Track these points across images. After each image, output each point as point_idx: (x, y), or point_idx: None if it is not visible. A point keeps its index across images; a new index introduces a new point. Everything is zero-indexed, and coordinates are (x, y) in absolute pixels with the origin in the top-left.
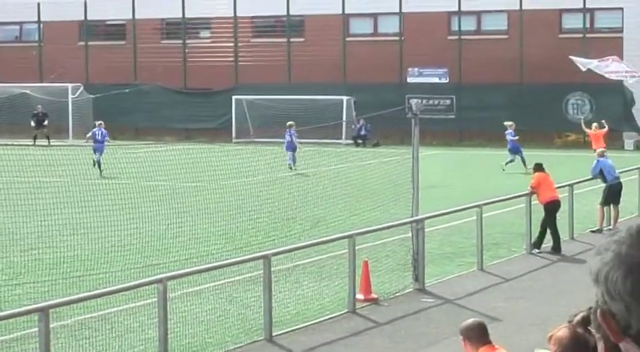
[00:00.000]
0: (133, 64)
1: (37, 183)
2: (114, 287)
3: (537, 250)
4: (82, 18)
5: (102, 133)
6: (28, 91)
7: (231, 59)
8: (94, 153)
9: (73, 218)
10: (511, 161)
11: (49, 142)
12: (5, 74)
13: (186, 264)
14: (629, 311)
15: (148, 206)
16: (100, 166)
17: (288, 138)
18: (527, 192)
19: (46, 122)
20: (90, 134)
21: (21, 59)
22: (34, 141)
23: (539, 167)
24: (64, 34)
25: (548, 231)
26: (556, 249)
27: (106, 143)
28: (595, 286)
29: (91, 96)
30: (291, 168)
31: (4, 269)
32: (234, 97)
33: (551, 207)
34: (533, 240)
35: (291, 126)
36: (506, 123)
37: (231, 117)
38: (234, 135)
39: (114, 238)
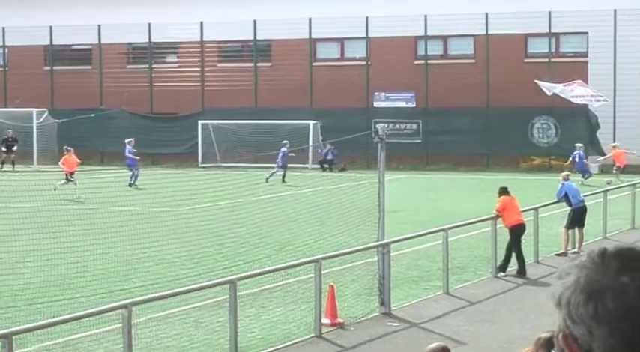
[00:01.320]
0: (98, 88)
1: (1, 210)
2: (78, 313)
3: (503, 273)
4: (48, 42)
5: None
6: None
7: (198, 84)
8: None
9: (37, 244)
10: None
11: (13, 167)
12: None
13: (151, 289)
14: (590, 335)
15: (114, 231)
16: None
17: (281, 155)
18: (492, 215)
19: (15, 147)
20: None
21: None
22: (2, 166)
23: (504, 191)
24: (29, 59)
25: (514, 254)
26: (521, 272)
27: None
28: (557, 310)
29: (56, 121)
30: (267, 181)
31: None
32: (200, 122)
33: (517, 231)
34: (498, 263)
35: (285, 144)
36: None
37: (198, 142)
38: (200, 159)
39: (78, 264)
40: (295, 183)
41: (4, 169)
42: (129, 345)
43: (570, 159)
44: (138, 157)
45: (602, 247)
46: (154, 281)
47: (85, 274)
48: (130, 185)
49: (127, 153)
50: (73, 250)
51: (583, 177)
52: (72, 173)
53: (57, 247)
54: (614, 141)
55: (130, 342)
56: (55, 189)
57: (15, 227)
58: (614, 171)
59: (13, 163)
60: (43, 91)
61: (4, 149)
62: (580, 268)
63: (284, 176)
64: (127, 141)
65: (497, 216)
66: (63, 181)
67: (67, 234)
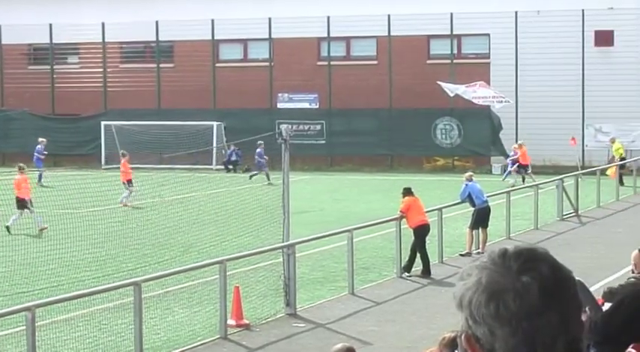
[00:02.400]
0: None
1: None
2: None
3: (407, 274)
4: None
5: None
6: None
7: (100, 85)
8: None
9: None
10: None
11: None
12: None
13: (55, 292)
14: (492, 335)
15: (16, 233)
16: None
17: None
18: (396, 216)
19: None
20: None
21: None
22: None
23: (407, 191)
24: None
25: (418, 254)
26: (426, 272)
27: None
28: (459, 311)
29: None
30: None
31: None
32: (103, 123)
33: (421, 231)
34: (403, 263)
35: (260, 144)
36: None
37: (101, 143)
38: (103, 161)
39: None
40: (199, 185)
41: None
42: (32, 348)
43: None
44: (43, 157)
45: (503, 248)
46: (57, 283)
47: None
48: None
49: (35, 153)
50: None
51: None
52: None
53: None
54: (517, 141)
55: (34, 345)
56: None
57: None
58: (525, 172)
59: None
60: None
61: None
62: (481, 269)
63: (268, 175)
64: (39, 140)
65: (402, 217)
66: None
67: None
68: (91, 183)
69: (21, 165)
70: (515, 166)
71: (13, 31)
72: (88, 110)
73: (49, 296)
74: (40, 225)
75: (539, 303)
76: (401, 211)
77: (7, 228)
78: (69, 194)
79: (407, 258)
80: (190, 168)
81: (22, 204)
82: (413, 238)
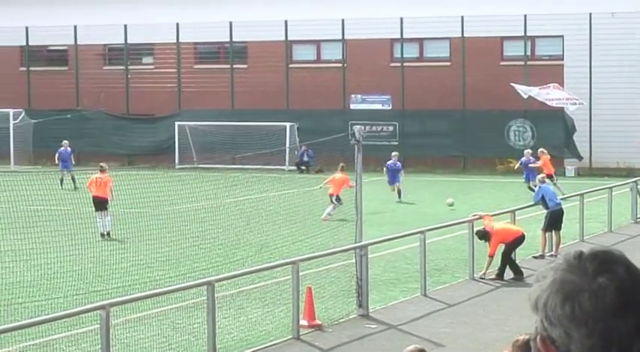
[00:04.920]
0: (75, 89)
1: None
2: (56, 314)
3: (501, 280)
4: (24, 43)
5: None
6: None
7: (174, 85)
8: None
9: (14, 244)
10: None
11: None
12: None
13: (129, 291)
14: (568, 337)
15: (91, 232)
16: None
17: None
18: (469, 218)
19: None
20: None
21: None
22: None
23: (484, 234)
24: (5, 60)
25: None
26: (500, 275)
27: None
28: (534, 313)
29: (33, 121)
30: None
31: None
32: (177, 123)
33: (518, 241)
34: (480, 268)
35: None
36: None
37: (174, 143)
38: (177, 161)
39: (56, 265)
40: (272, 185)
41: None
42: (107, 346)
43: (518, 164)
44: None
45: (579, 249)
46: (131, 282)
47: (62, 275)
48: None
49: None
50: (49, 251)
51: (528, 181)
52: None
53: (33, 248)
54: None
55: (108, 343)
56: None
57: None
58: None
59: None
60: (19, 92)
61: None
62: (557, 270)
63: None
64: (63, 142)
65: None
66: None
67: (44, 234)
68: (165, 183)
69: (102, 164)
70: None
71: (88, 31)
72: (163, 110)
73: (123, 295)
74: (106, 229)
75: (615, 305)
76: (496, 244)
77: (107, 234)
78: (142, 194)
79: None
80: (262, 169)
81: (102, 204)
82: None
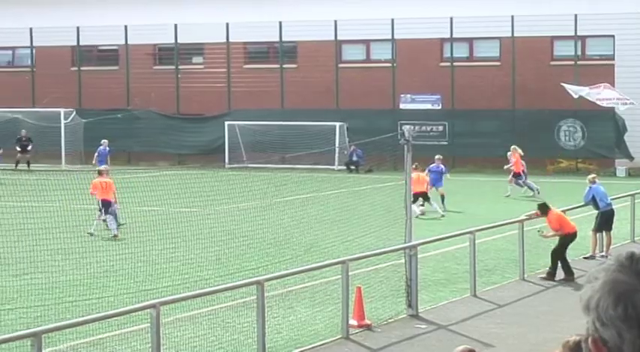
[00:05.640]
0: (125, 89)
1: (29, 208)
2: (107, 313)
3: (553, 281)
4: (75, 43)
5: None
6: (19, 116)
7: (224, 85)
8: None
9: (65, 243)
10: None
11: (28, 167)
12: None
13: (179, 290)
14: (620, 338)
15: (141, 231)
16: None
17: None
18: (522, 218)
19: (29, 147)
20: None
21: (13, 84)
22: (16, 166)
23: (545, 206)
24: (56, 59)
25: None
26: (551, 274)
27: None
28: (585, 314)
29: (83, 120)
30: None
31: None
32: (226, 123)
33: (571, 238)
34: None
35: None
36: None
37: (224, 143)
38: (226, 160)
39: (106, 263)
40: (321, 185)
41: (18, 168)
42: (157, 345)
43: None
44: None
45: (630, 250)
46: (181, 281)
47: (112, 274)
48: None
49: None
50: (100, 249)
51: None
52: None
53: (84, 246)
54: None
55: (159, 342)
56: None
57: (42, 226)
58: (521, 182)
59: (28, 163)
60: (70, 92)
61: (18, 149)
62: (608, 271)
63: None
64: (103, 141)
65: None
66: None
67: (94, 233)
68: (215, 183)
69: (102, 168)
70: (510, 176)
71: (138, 31)
72: (212, 110)
73: (174, 294)
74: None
75: None
76: (554, 229)
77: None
78: (192, 193)
79: (550, 265)
80: (312, 168)
81: (107, 207)
82: (555, 244)
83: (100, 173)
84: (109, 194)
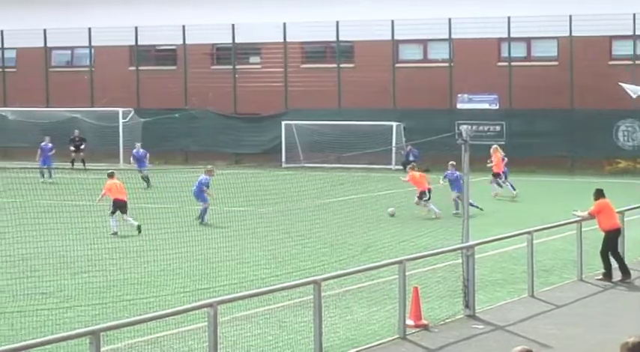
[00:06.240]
0: (183, 88)
1: (87, 207)
2: (164, 311)
3: (610, 282)
4: (133, 43)
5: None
6: (78, 116)
7: (281, 84)
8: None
9: (122, 242)
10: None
11: (84, 166)
12: (57, 98)
13: (236, 289)
14: None
15: (198, 230)
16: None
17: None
18: (583, 215)
19: (82, 146)
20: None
21: (72, 84)
22: (72, 165)
23: (600, 193)
24: (115, 59)
25: (605, 257)
26: (607, 276)
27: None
28: None
29: (141, 120)
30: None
31: (55, 293)
32: (283, 122)
33: (612, 235)
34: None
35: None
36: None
37: (281, 142)
38: (283, 159)
39: (163, 262)
40: (377, 185)
41: (74, 168)
42: (214, 344)
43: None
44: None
45: None
46: (238, 280)
47: (169, 272)
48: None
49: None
50: (157, 248)
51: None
52: None
53: (141, 245)
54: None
55: (216, 341)
56: None
57: (100, 225)
58: (501, 182)
59: (83, 162)
60: (128, 91)
61: (72, 149)
62: None
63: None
64: (136, 144)
65: (589, 218)
66: None
67: (152, 232)
68: (271, 182)
69: (111, 171)
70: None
71: (196, 31)
72: (269, 109)
73: (230, 293)
74: (114, 229)
75: None
76: (590, 213)
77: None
78: (249, 192)
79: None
80: (368, 168)
81: (123, 207)
82: (602, 244)
83: (110, 175)
84: (123, 193)
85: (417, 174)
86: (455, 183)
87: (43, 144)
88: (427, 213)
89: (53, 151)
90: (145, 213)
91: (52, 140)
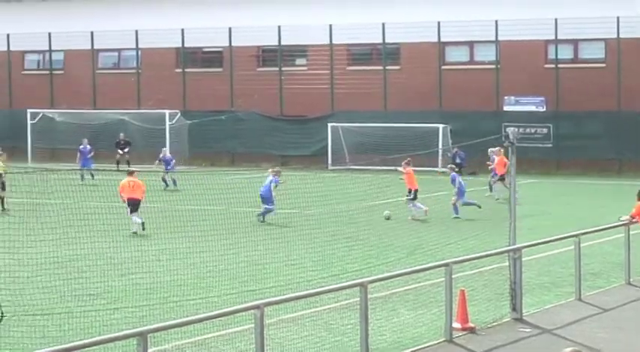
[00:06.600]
0: (229, 90)
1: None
2: (211, 313)
3: None
4: (180, 45)
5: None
6: (125, 118)
7: (327, 86)
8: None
9: (169, 244)
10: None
11: (129, 167)
12: (104, 100)
13: (282, 291)
14: None
15: (244, 232)
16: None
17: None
18: (625, 220)
19: (127, 149)
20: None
21: (119, 86)
22: (117, 166)
23: None
24: (161, 61)
25: None
26: None
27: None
28: None
29: (188, 122)
30: None
31: (103, 294)
32: (330, 124)
33: None
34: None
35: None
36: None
37: (327, 144)
38: (329, 162)
39: (210, 264)
40: (424, 187)
41: (120, 169)
42: (261, 346)
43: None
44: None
45: None
46: (284, 282)
47: (216, 274)
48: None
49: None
50: (204, 250)
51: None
52: None
53: (188, 247)
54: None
55: (262, 343)
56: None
57: (146, 226)
58: (502, 183)
59: (128, 163)
60: (175, 93)
61: (119, 151)
62: None
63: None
64: (163, 149)
65: (632, 222)
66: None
67: (198, 234)
68: (317, 184)
69: (131, 168)
70: (496, 178)
71: (242, 33)
72: (315, 111)
73: (277, 295)
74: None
75: None
76: (632, 215)
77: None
78: (295, 194)
79: None
80: (414, 171)
81: (136, 205)
82: None
83: (129, 173)
84: (136, 193)
85: (412, 171)
86: (453, 185)
87: (81, 146)
88: (417, 215)
89: (92, 153)
90: (192, 215)
91: (99, 142)
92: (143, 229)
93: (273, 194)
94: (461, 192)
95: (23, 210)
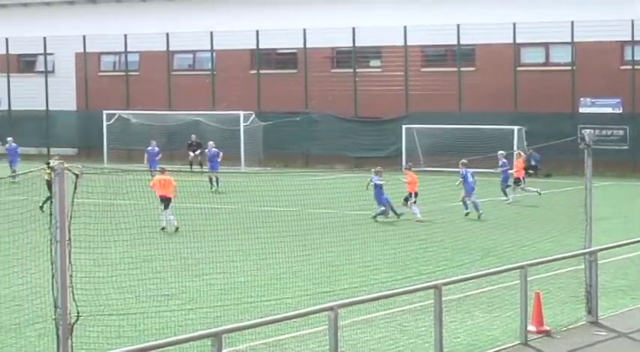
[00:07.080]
0: (304, 92)
1: (209, 210)
2: (285, 314)
3: None
4: (254, 46)
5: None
6: (200, 119)
7: (402, 88)
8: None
9: (243, 244)
10: None
11: (201, 168)
12: (179, 102)
13: (356, 292)
14: None
15: (318, 233)
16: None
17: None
18: None
19: (198, 151)
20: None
21: (194, 87)
22: (191, 168)
23: None
24: (236, 62)
25: None
26: None
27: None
28: None
29: (262, 123)
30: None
31: (178, 294)
32: (404, 126)
33: None
34: None
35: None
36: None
37: (402, 146)
38: (404, 163)
39: (284, 265)
40: (499, 189)
41: (193, 170)
42: (335, 347)
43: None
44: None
45: None
46: (358, 284)
47: (290, 275)
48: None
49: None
50: (278, 251)
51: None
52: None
53: (263, 248)
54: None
55: (336, 344)
56: None
57: (222, 227)
58: (521, 186)
59: (200, 165)
60: (249, 94)
61: (191, 154)
62: None
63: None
64: (209, 144)
65: None
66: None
67: (273, 235)
68: (391, 186)
69: (163, 167)
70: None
71: (317, 35)
72: (390, 113)
73: (351, 297)
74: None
75: None
76: None
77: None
78: (368, 196)
79: None
80: (488, 172)
81: (166, 202)
82: None
83: (161, 172)
84: (167, 190)
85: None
86: (465, 182)
87: (149, 148)
88: (413, 216)
89: (160, 156)
90: (265, 216)
91: (174, 143)
92: (176, 230)
93: (383, 195)
94: (469, 189)
95: (98, 210)
